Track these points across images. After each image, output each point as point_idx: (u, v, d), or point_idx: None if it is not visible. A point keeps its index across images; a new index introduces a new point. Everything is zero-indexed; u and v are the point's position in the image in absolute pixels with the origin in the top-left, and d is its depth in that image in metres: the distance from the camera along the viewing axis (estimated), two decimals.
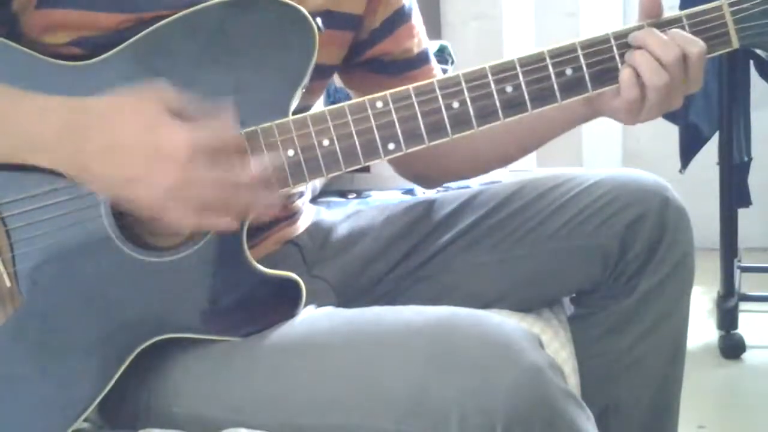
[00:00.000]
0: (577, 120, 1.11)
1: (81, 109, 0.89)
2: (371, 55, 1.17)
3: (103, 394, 0.94)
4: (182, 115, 0.89)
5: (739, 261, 2.50)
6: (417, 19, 1.21)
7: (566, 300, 1.25)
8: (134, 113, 0.88)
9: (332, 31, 1.08)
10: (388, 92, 0.96)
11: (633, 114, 1.02)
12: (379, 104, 0.95)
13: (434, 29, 3.07)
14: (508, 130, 1.02)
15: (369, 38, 1.16)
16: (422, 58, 1.21)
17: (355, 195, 2.09)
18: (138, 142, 0.87)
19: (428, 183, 1.35)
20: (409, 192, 2.12)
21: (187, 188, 0.88)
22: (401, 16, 1.18)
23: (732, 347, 2.37)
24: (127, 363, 0.95)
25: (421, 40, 1.21)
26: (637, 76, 0.98)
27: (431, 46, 1.24)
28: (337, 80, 1.23)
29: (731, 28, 0.98)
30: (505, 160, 1.23)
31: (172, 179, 0.87)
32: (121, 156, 0.87)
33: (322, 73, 1.10)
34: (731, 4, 0.98)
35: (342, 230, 1.23)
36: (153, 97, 0.88)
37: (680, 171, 2.38)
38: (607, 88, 0.99)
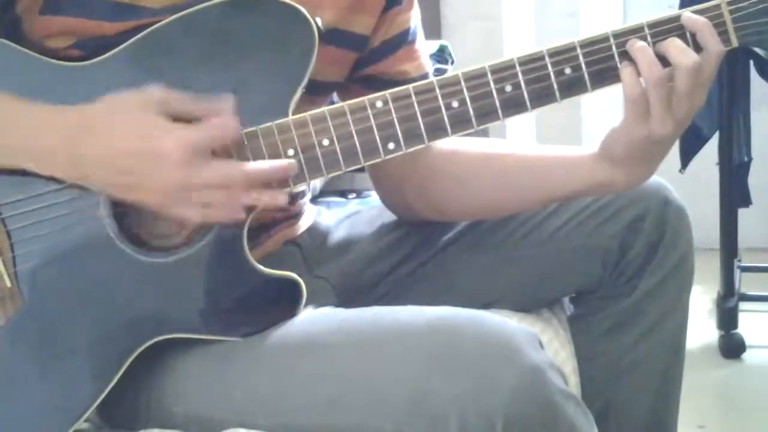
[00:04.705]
0: (592, 184, 1.09)
1: (77, 121, 0.89)
2: (368, 73, 1.14)
3: (103, 395, 0.94)
4: (180, 115, 0.89)
5: (739, 261, 2.50)
6: (421, 44, 1.17)
7: (566, 300, 1.25)
8: (125, 122, 0.89)
9: (337, 50, 1.07)
10: (387, 92, 0.96)
11: (641, 119, 0.97)
12: (379, 104, 0.95)
13: (434, 29, 3.06)
14: (513, 182, 1.05)
15: (368, 56, 1.13)
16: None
17: (355, 195, 2.08)
18: (132, 149, 0.88)
19: (413, 216, 1.22)
20: None
21: (186, 190, 0.89)
22: (404, 38, 1.14)
23: (732, 347, 2.37)
24: (127, 363, 0.94)
25: (422, 64, 1.16)
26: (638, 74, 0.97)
27: (432, 70, 1.18)
28: None
29: (730, 27, 0.98)
30: (499, 210, 1.17)
31: (170, 182, 0.89)
32: (118, 164, 0.89)
33: (324, 89, 1.09)
34: (729, 3, 0.98)
35: (342, 230, 1.23)
36: (143, 103, 0.89)
37: (680, 171, 2.38)
38: (605, 86, 0.99)
